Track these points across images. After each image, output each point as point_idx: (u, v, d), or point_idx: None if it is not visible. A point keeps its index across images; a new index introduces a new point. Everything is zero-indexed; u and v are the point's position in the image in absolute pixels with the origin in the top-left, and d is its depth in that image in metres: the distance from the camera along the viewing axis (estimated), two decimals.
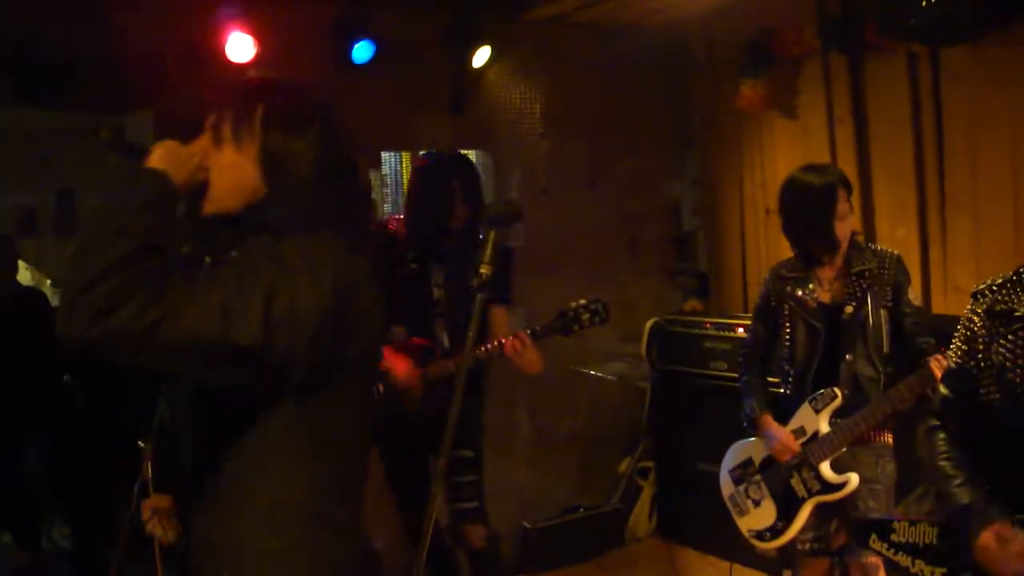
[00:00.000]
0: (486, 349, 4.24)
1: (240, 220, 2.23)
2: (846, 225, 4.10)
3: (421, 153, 5.00)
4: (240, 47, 4.85)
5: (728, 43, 6.32)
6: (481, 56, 5.73)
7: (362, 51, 5.28)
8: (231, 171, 2.21)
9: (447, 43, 5.68)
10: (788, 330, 4.26)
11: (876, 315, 4.06)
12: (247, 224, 2.22)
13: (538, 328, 4.25)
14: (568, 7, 5.93)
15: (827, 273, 4.19)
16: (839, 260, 4.16)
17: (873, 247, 4.21)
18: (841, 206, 4.06)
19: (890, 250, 4.20)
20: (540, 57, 6.15)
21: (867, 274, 4.10)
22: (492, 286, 4.08)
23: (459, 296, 4.49)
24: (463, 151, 4.75)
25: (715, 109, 6.65)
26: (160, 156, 2.11)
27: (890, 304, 4.09)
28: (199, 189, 2.21)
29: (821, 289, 4.20)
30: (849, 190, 4.12)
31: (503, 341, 4.22)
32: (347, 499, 2.25)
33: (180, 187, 2.10)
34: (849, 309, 4.08)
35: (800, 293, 4.21)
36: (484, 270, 2.69)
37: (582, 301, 4.26)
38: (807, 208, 4.12)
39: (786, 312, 4.26)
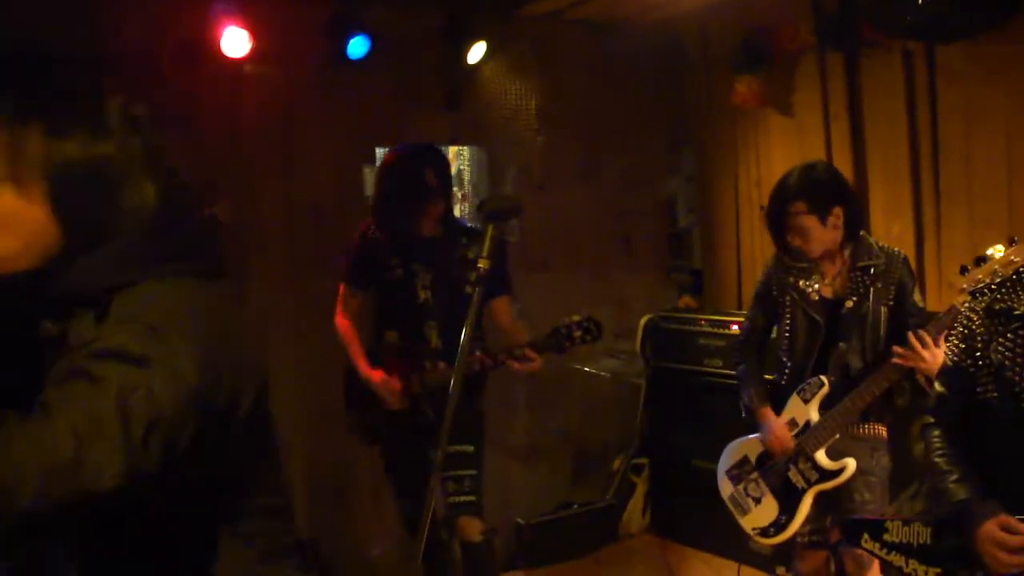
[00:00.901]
0: (482, 361, 4.27)
1: (41, 293, 1.69)
2: (808, 236, 4.05)
3: (387, 149, 4.81)
4: (235, 42, 4.84)
5: (723, 40, 6.32)
6: (476, 52, 5.72)
7: (357, 47, 5.27)
8: (16, 221, 1.65)
9: (442, 39, 5.67)
10: (788, 321, 4.26)
11: (876, 311, 4.05)
12: (53, 297, 1.69)
13: (536, 342, 4.25)
14: (564, 3, 5.91)
15: (832, 267, 4.19)
16: (845, 255, 4.16)
17: (882, 245, 4.19)
18: (796, 218, 4.03)
19: (898, 250, 4.20)
20: (535, 53, 6.14)
21: (872, 270, 4.08)
22: (490, 279, 4.22)
23: (447, 295, 4.48)
24: (443, 145, 4.87)
25: (710, 106, 6.65)
26: None
27: (892, 303, 4.07)
28: None
29: (823, 283, 4.19)
30: (815, 200, 4.03)
31: (509, 362, 4.26)
32: (283, 552, 1.98)
33: None
34: (850, 303, 4.08)
35: (803, 285, 4.21)
36: (483, 264, 2.68)
37: (575, 318, 4.25)
38: (768, 207, 4.21)
39: (787, 303, 4.26)
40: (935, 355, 3.66)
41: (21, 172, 1.63)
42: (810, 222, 4.02)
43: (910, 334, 3.80)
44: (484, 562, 4.55)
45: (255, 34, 4.87)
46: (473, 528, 4.49)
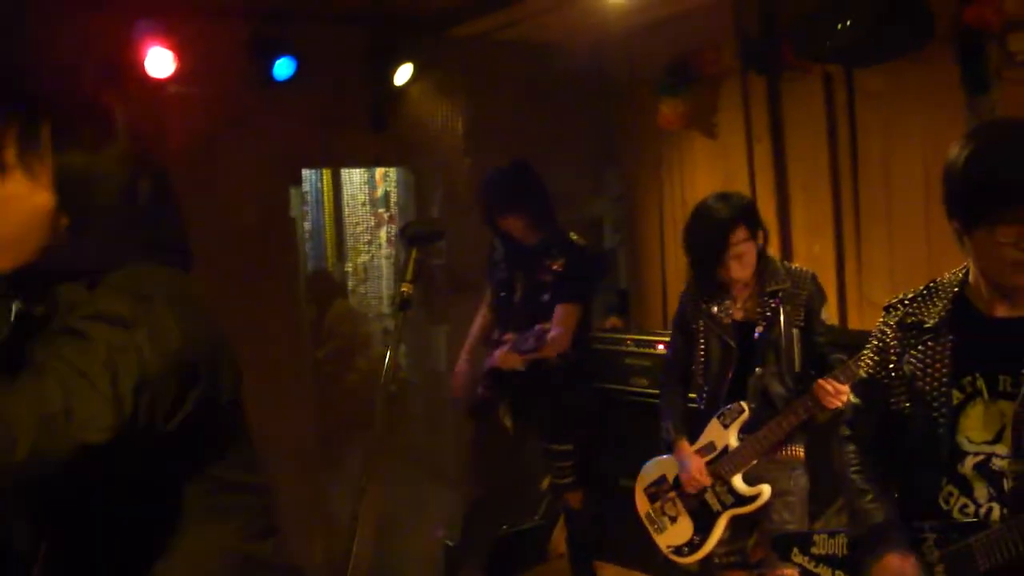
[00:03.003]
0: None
1: (40, 267, 1.81)
2: (745, 261, 4.10)
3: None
4: (160, 62, 4.80)
5: (649, 62, 6.38)
6: (403, 73, 5.72)
7: (283, 67, 5.25)
8: (24, 205, 1.78)
9: (369, 59, 5.67)
10: (702, 346, 4.30)
11: (788, 334, 4.10)
12: (51, 271, 1.83)
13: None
14: (491, 25, 5.94)
15: (742, 291, 4.23)
16: (752, 279, 4.19)
17: (788, 266, 4.24)
18: (737, 247, 4.06)
19: (805, 269, 4.25)
20: (463, 74, 6.16)
21: (780, 294, 4.12)
22: (564, 288, 5.05)
23: (534, 297, 5.14)
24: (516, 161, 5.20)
25: (636, 127, 6.71)
26: None
27: (802, 324, 4.12)
28: None
29: (735, 306, 4.23)
30: (752, 224, 4.11)
31: (495, 354, 5.17)
32: (262, 534, 2.05)
33: None
34: (760, 328, 4.12)
35: (715, 310, 4.25)
36: (405, 288, 2.68)
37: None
38: (700, 240, 4.18)
39: (700, 328, 4.30)
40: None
41: (31, 160, 1.78)
42: (748, 247, 4.08)
43: (819, 382, 3.87)
44: (584, 525, 5.59)
45: (180, 54, 4.84)
46: (575, 498, 5.47)
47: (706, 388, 4.30)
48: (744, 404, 4.13)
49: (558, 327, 4.98)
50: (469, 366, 5.52)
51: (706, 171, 6.25)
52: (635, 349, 5.91)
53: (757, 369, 4.13)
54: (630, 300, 6.92)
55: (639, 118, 6.62)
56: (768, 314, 4.12)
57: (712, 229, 4.09)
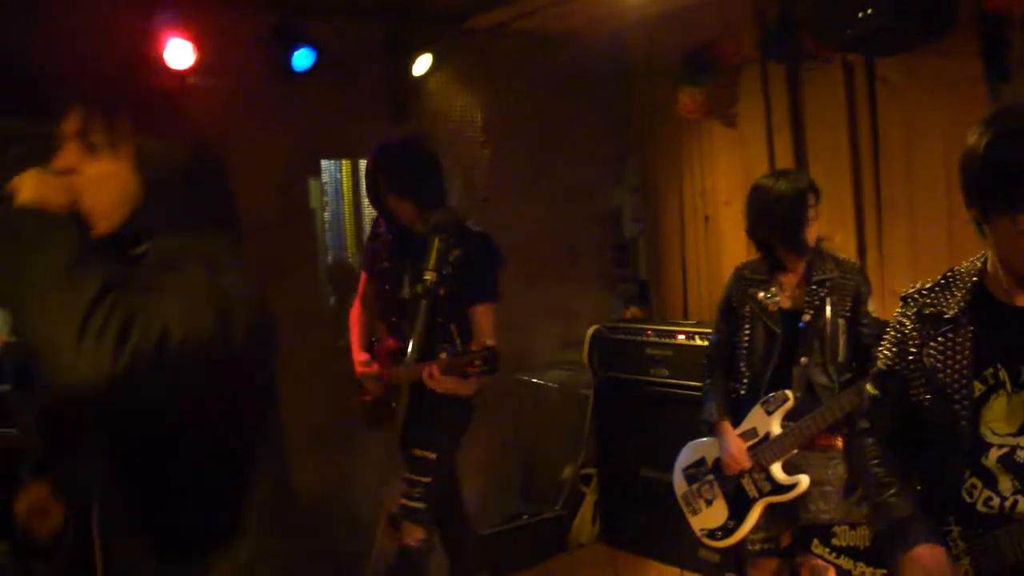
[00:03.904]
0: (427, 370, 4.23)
1: (128, 230, 2.08)
2: (812, 231, 4.17)
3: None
4: (179, 54, 4.80)
5: (668, 52, 6.35)
6: (422, 64, 5.72)
7: (302, 59, 5.25)
8: (114, 181, 2.06)
9: (388, 51, 5.66)
10: (747, 332, 4.31)
11: (834, 324, 4.11)
12: (136, 232, 2.08)
13: (442, 362, 4.18)
14: (509, 15, 5.93)
15: (790, 279, 4.24)
16: (802, 267, 4.21)
17: (836, 255, 4.26)
18: (810, 211, 4.13)
19: (852, 260, 4.27)
20: (482, 65, 6.15)
21: (827, 283, 4.15)
22: (469, 286, 4.30)
23: (428, 295, 4.29)
24: (409, 138, 4.69)
25: (655, 117, 6.69)
26: (33, 188, 1.92)
27: (848, 314, 4.14)
28: (77, 212, 2.01)
29: (783, 294, 4.24)
30: (818, 196, 4.19)
31: (427, 370, 4.20)
32: (290, 492, 2.25)
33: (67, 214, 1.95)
34: (807, 316, 4.13)
35: (761, 296, 4.26)
36: (428, 276, 2.69)
37: (479, 348, 4.13)
38: (778, 214, 4.17)
39: (746, 313, 4.31)
40: None
41: (117, 143, 2.07)
42: (815, 213, 4.18)
43: None
44: (415, 568, 4.54)
45: (199, 46, 4.84)
46: (412, 534, 4.49)
47: (748, 374, 4.30)
48: (789, 393, 4.13)
49: (485, 334, 4.40)
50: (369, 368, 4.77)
51: (726, 161, 6.24)
52: (655, 339, 5.92)
53: (802, 359, 4.14)
54: (650, 290, 6.91)
55: (658, 108, 6.59)
56: (816, 303, 4.14)
57: (791, 195, 4.14)
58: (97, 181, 2.04)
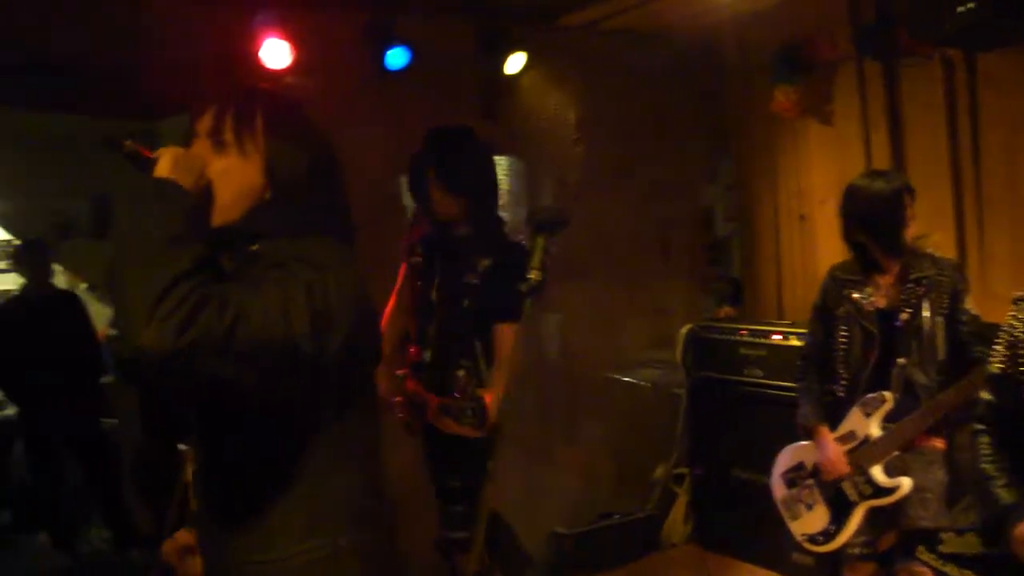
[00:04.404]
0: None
1: (244, 227, 2.18)
2: (909, 231, 4.11)
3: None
4: (275, 54, 4.86)
5: (761, 48, 6.29)
6: (514, 62, 5.72)
7: (396, 57, 5.28)
8: (237, 177, 2.16)
9: (481, 49, 5.68)
10: (843, 333, 4.26)
11: (932, 322, 4.04)
12: (252, 230, 2.18)
13: (444, 404, 4.06)
14: (601, 13, 5.92)
15: (885, 278, 4.19)
16: (897, 266, 4.15)
17: (932, 253, 4.19)
18: (907, 212, 4.08)
19: (948, 257, 4.21)
20: (574, 63, 6.14)
21: (924, 281, 4.09)
22: (495, 300, 4.06)
23: (452, 302, 4.22)
24: (467, 129, 4.43)
25: (749, 115, 6.63)
26: (169, 164, 2.05)
27: (946, 312, 4.07)
28: (202, 198, 2.12)
29: (878, 294, 4.19)
30: (913, 196, 4.12)
31: (432, 406, 4.08)
32: (376, 493, 2.25)
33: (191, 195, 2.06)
34: (905, 315, 4.08)
35: (857, 296, 4.21)
36: (533, 275, 2.66)
37: (471, 396, 3.99)
38: (873, 215, 4.12)
39: (842, 315, 4.26)
40: None
41: (246, 141, 2.16)
42: (912, 214, 4.12)
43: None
44: None
45: (295, 45, 4.89)
46: (467, 566, 4.13)
47: (845, 376, 4.25)
48: (887, 394, 4.07)
49: (500, 366, 4.08)
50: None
51: (821, 160, 6.16)
52: (749, 339, 5.86)
53: (900, 359, 4.08)
54: (744, 289, 6.85)
55: (752, 106, 6.53)
56: (913, 302, 4.09)
57: (888, 195, 4.10)
58: (221, 175, 2.14)
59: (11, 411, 6.70)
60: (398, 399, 4.43)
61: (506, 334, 4.12)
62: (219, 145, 2.17)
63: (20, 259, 6.78)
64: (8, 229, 8.32)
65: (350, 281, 2.08)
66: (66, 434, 6.59)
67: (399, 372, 4.42)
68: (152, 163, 2.07)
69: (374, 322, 2.26)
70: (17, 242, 7.46)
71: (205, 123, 2.19)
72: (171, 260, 1.86)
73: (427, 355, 4.25)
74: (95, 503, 6.80)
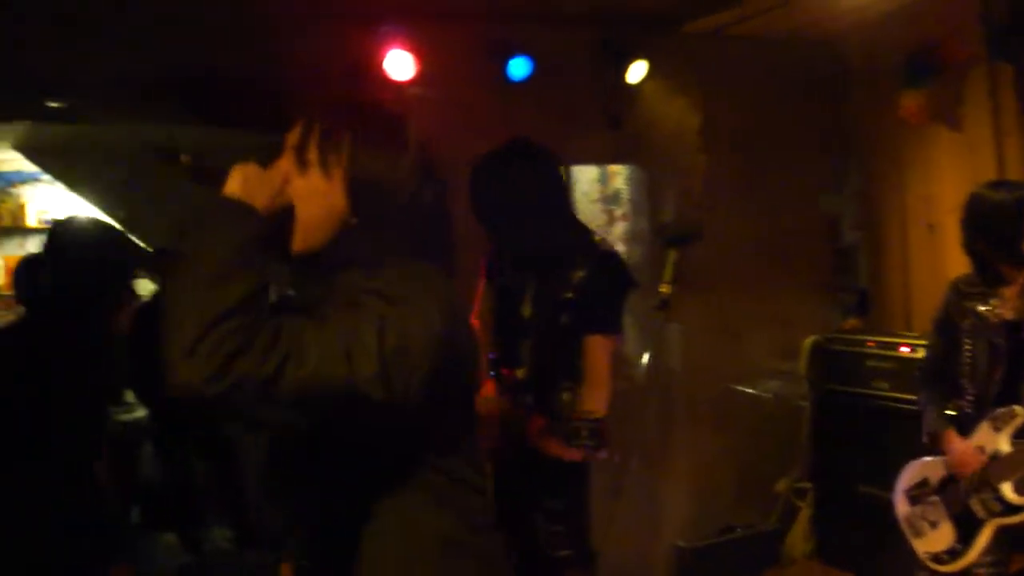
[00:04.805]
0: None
1: (325, 254, 2.08)
2: None
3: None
4: (400, 65, 4.92)
5: (889, 53, 6.17)
6: (636, 71, 5.71)
7: (518, 68, 5.32)
8: (320, 200, 2.05)
9: (603, 58, 5.68)
10: (968, 347, 4.14)
11: None
12: (334, 258, 2.08)
13: (552, 426, 3.63)
14: (725, 19, 5.89)
15: (1010, 289, 4.07)
16: (1022, 276, 4.04)
17: None
18: None
19: None
20: (697, 70, 6.10)
21: None
22: (586, 313, 3.80)
23: (548, 318, 3.92)
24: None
25: (875, 121, 6.51)
26: (239, 182, 1.94)
27: None
28: (279, 218, 2.01)
29: (1004, 306, 4.07)
30: None
31: (535, 427, 3.67)
32: (482, 529, 2.20)
33: (263, 217, 1.94)
34: None
35: (982, 308, 4.10)
36: (664, 289, 2.64)
37: (583, 417, 3.55)
38: (994, 225, 4.01)
39: (966, 328, 4.15)
40: None
41: (331, 162, 2.05)
42: None
43: None
44: None
45: (418, 57, 4.94)
46: None
47: (972, 391, 4.13)
48: (1019, 409, 3.95)
49: (597, 373, 3.81)
50: None
51: (951, 166, 6.01)
52: (876, 351, 5.74)
53: None
54: (870, 300, 6.72)
55: (878, 111, 6.41)
56: None
57: (1010, 210, 3.98)
58: (302, 196, 2.03)
59: (141, 413, 6.86)
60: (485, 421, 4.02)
61: (600, 348, 3.84)
62: (303, 164, 2.05)
63: (153, 267, 6.95)
64: (149, 239, 8.54)
65: (434, 315, 1.96)
66: (193, 436, 6.74)
67: (484, 394, 4.10)
68: (218, 179, 1.97)
69: (466, 358, 2.13)
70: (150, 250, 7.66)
71: (292, 138, 2.08)
72: (220, 293, 1.76)
73: (520, 374, 4.02)
74: (220, 504, 6.95)
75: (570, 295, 3.81)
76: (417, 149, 2.14)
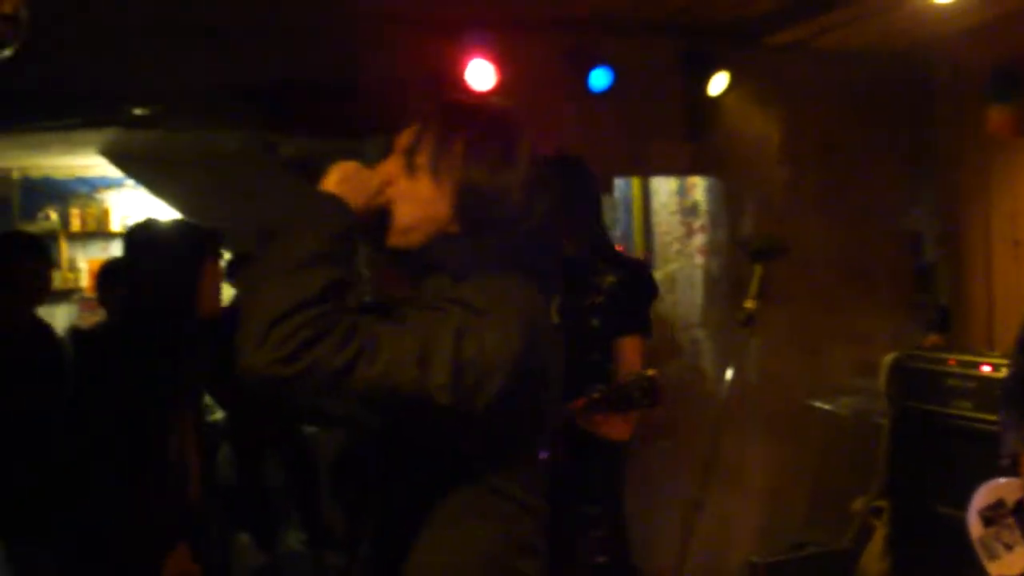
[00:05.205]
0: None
1: (416, 255, 2.05)
2: None
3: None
4: (480, 75, 4.94)
5: (975, 66, 6.09)
6: (718, 82, 5.69)
7: (599, 78, 5.32)
8: (424, 204, 2.02)
9: (684, 69, 5.66)
10: None
11: None
12: (424, 261, 2.05)
13: (597, 401, 3.55)
14: (807, 32, 5.84)
15: None
16: None
17: None
18: None
19: None
20: (778, 83, 6.07)
21: None
22: (618, 316, 3.90)
23: (578, 323, 3.94)
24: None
25: (960, 135, 6.42)
26: (337, 179, 1.95)
27: None
28: (375, 217, 2.01)
29: None
30: None
31: (578, 406, 3.58)
32: (529, 552, 2.10)
33: (357, 214, 1.93)
34: None
35: None
36: (749, 304, 2.63)
37: (631, 376, 3.54)
38: None
39: None
40: None
41: (441, 168, 1.99)
42: None
43: None
44: None
45: (499, 67, 4.96)
46: None
47: None
48: None
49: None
50: None
51: None
52: (958, 370, 5.64)
53: None
54: (952, 317, 6.62)
55: (963, 125, 6.33)
56: None
57: None
58: (403, 197, 2.02)
59: (219, 416, 6.96)
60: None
61: (632, 348, 3.95)
62: (412, 168, 2.02)
63: (233, 273, 7.05)
64: (231, 246, 8.64)
65: (515, 333, 1.90)
66: (270, 439, 6.83)
67: None
68: (318, 174, 1.97)
69: (544, 381, 2.05)
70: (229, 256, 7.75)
71: (403, 141, 2.06)
72: (301, 282, 1.76)
73: None
74: (294, 506, 7.03)
75: (600, 299, 3.91)
76: (531, 162, 2.05)
